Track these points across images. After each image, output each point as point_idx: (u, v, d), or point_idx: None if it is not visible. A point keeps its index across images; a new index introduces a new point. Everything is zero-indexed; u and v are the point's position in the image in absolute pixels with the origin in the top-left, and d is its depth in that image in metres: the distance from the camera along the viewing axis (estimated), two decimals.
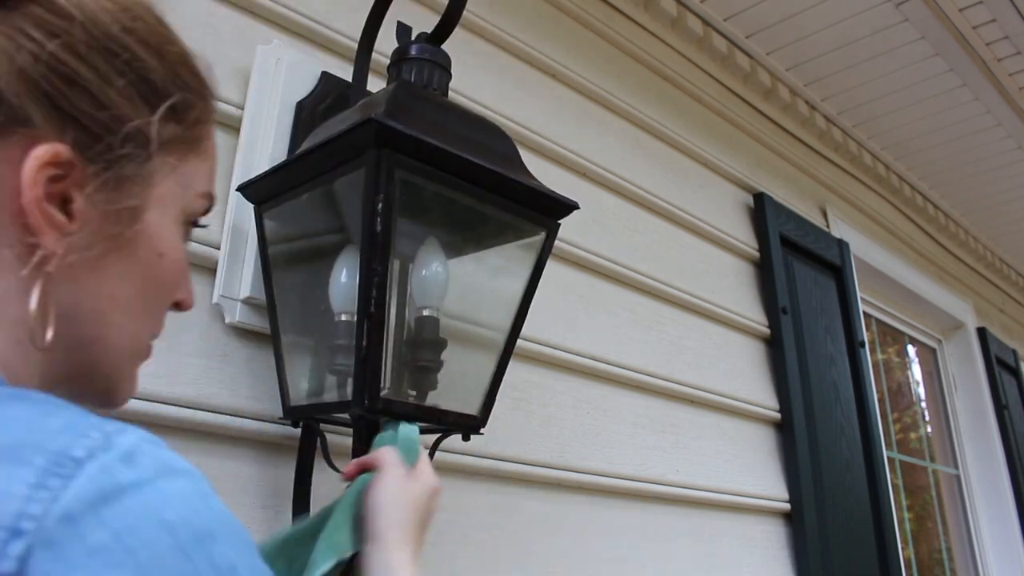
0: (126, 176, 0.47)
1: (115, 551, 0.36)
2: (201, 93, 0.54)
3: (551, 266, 1.48)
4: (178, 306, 0.57)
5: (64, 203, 0.45)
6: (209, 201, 0.56)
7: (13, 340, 0.45)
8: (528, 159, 1.03)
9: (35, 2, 0.44)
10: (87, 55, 0.45)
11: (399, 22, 1.03)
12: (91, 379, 0.50)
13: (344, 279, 0.94)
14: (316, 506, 1.03)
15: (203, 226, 0.58)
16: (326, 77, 1.17)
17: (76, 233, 0.45)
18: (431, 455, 0.98)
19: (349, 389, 0.88)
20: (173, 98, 0.50)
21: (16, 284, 0.44)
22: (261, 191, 0.99)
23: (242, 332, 1.05)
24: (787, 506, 1.92)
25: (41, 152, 0.43)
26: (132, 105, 0.48)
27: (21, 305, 0.44)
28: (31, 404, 0.41)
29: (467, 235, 1.02)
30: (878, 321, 3.02)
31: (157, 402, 0.95)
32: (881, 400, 2.71)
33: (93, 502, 0.36)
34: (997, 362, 3.38)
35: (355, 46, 1.16)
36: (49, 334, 0.45)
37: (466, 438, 0.96)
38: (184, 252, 0.55)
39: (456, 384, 0.96)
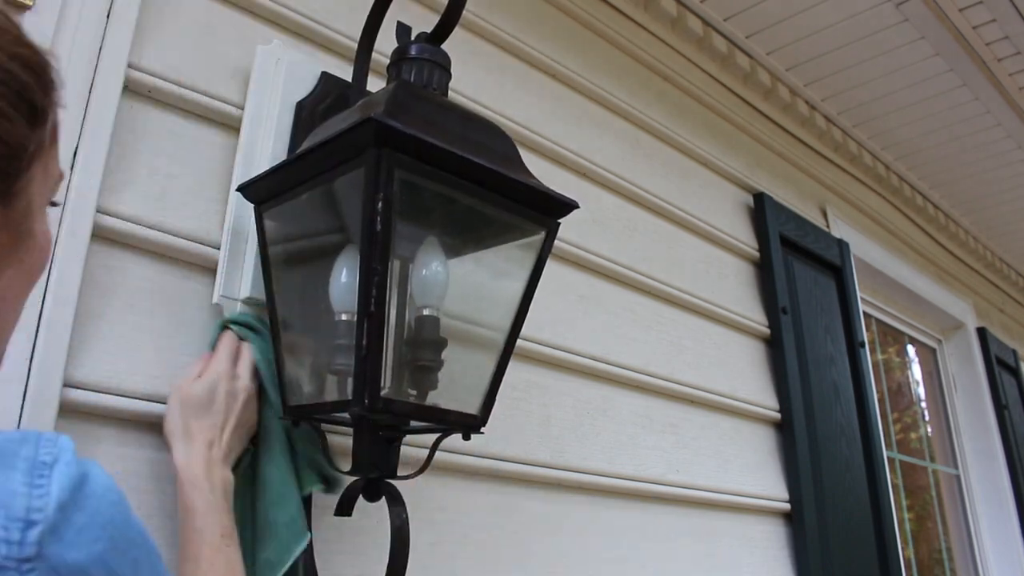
0: (18, 190, 0.51)
1: (94, 528, 0.47)
2: (57, 88, 0.55)
3: (551, 266, 1.48)
4: None
5: None
6: (61, 178, 0.59)
7: None
8: (528, 159, 1.03)
9: None
10: None
11: (399, 22, 1.03)
12: None
13: (344, 279, 0.95)
14: (317, 506, 1.03)
15: (57, 204, 0.62)
16: (326, 77, 1.17)
17: None
18: (431, 455, 0.98)
19: (349, 388, 0.88)
20: (50, 114, 0.53)
21: None
22: (261, 191, 0.99)
23: None
24: (787, 506, 1.93)
25: None
26: (26, 132, 0.50)
27: None
28: None
29: (467, 235, 1.02)
30: (878, 321, 3.02)
31: (157, 402, 0.95)
32: (881, 400, 2.71)
33: (71, 493, 0.47)
34: (997, 362, 3.38)
35: (355, 46, 1.16)
36: None
37: (466, 437, 0.96)
38: (50, 233, 0.59)
39: (456, 384, 0.96)
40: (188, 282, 1.03)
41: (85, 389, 0.90)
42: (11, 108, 0.49)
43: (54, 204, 0.60)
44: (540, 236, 0.98)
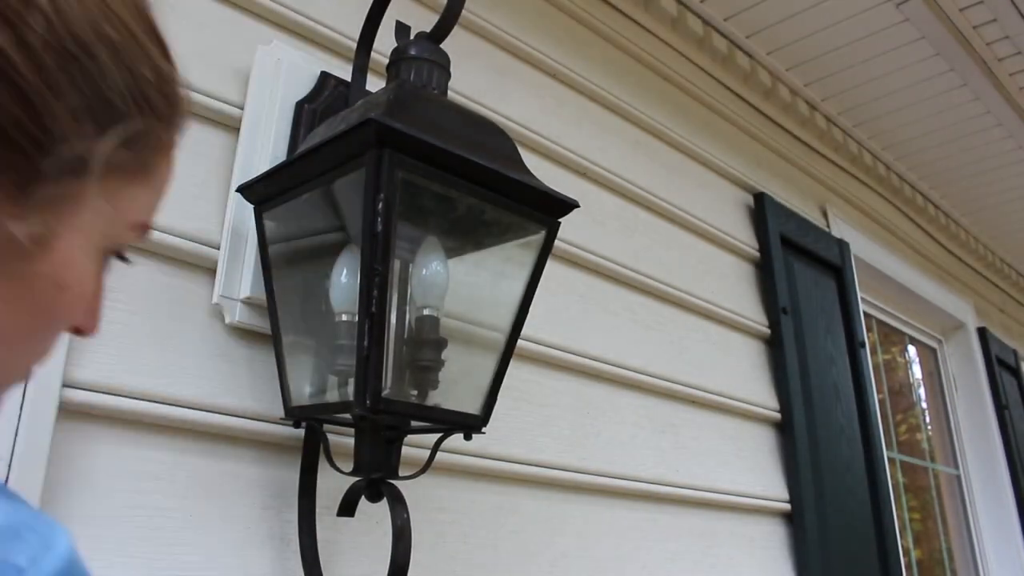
0: (41, 197, 0.39)
1: None
2: (170, 120, 0.47)
3: (551, 266, 1.48)
4: (77, 331, 0.50)
5: None
6: (144, 232, 0.49)
7: None
8: (528, 159, 1.03)
9: None
10: (38, 54, 0.38)
11: (398, 21, 1.03)
12: None
13: (344, 279, 0.94)
14: (319, 507, 1.03)
15: (127, 260, 0.51)
16: (326, 77, 1.17)
17: None
18: (432, 455, 0.98)
19: (350, 389, 0.88)
20: (131, 123, 0.42)
21: None
22: (261, 191, 0.99)
23: (242, 332, 1.05)
24: (787, 506, 1.92)
25: None
26: (77, 125, 0.39)
27: None
28: None
29: (467, 235, 1.02)
30: (878, 321, 3.02)
31: (157, 402, 0.95)
32: (882, 401, 2.71)
33: None
34: (997, 362, 3.38)
35: (355, 46, 1.16)
36: None
37: (467, 437, 0.96)
38: (97, 283, 0.47)
39: (457, 384, 0.96)
40: (188, 282, 1.03)
41: (85, 389, 0.90)
42: (68, 85, 0.39)
43: (121, 258, 0.49)
44: (540, 236, 0.98)
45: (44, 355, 0.46)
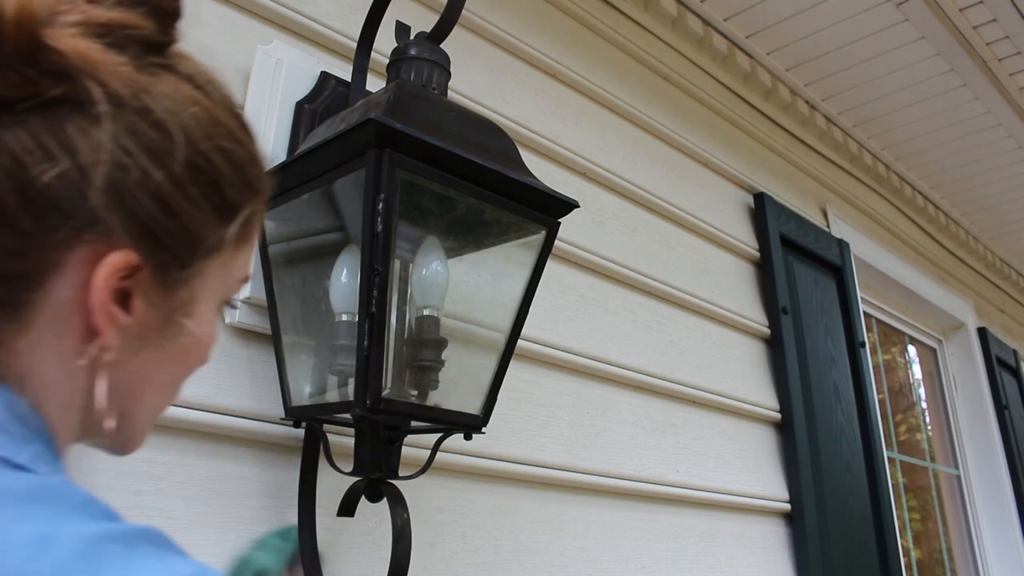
0: (185, 277, 0.49)
1: None
2: (263, 192, 0.54)
3: (551, 266, 1.48)
4: None
5: (124, 299, 0.46)
6: (245, 282, 0.58)
7: (62, 405, 0.47)
8: (528, 159, 1.03)
9: (133, 110, 0.44)
10: (178, 176, 0.46)
11: (398, 21, 1.03)
12: (114, 437, 0.53)
13: (345, 279, 0.94)
14: (319, 507, 1.03)
15: (235, 306, 0.61)
16: (326, 77, 1.17)
17: (131, 326, 0.47)
18: (432, 455, 0.98)
19: (350, 389, 0.88)
20: (246, 210, 0.51)
21: (71, 368, 0.46)
22: None
23: (242, 332, 1.05)
24: (787, 506, 1.92)
25: (116, 259, 0.44)
26: (210, 223, 0.49)
27: (71, 384, 0.47)
28: (38, 520, 0.37)
29: (468, 235, 1.02)
30: (879, 322, 3.02)
31: None
32: (882, 400, 2.71)
33: None
34: (997, 362, 3.38)
35: (355, 46, 1.16)
36: (111, 423, 0.49)
37: (468, 437, 0.96)
38: (217, 329, 0.57)
39: (457, 384, 0.96)
40: None
41: None
42: (200, 195, 0.47)
43: (231, 305, 0.58)
44: (541, 236, 0.98)
45: (177, 395, 0.57)
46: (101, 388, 0.47)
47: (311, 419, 1.00)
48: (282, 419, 1.01)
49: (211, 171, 0.48)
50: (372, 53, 1.16)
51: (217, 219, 0.49)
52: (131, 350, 0.48)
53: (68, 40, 0.42)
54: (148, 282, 0.47)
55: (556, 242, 1.01)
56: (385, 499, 0.95)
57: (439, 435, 0.98)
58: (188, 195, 0.47)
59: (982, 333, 3.38)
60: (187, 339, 0.51)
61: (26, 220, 0.42)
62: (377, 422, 0.91)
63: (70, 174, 0.42)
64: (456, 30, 1.00)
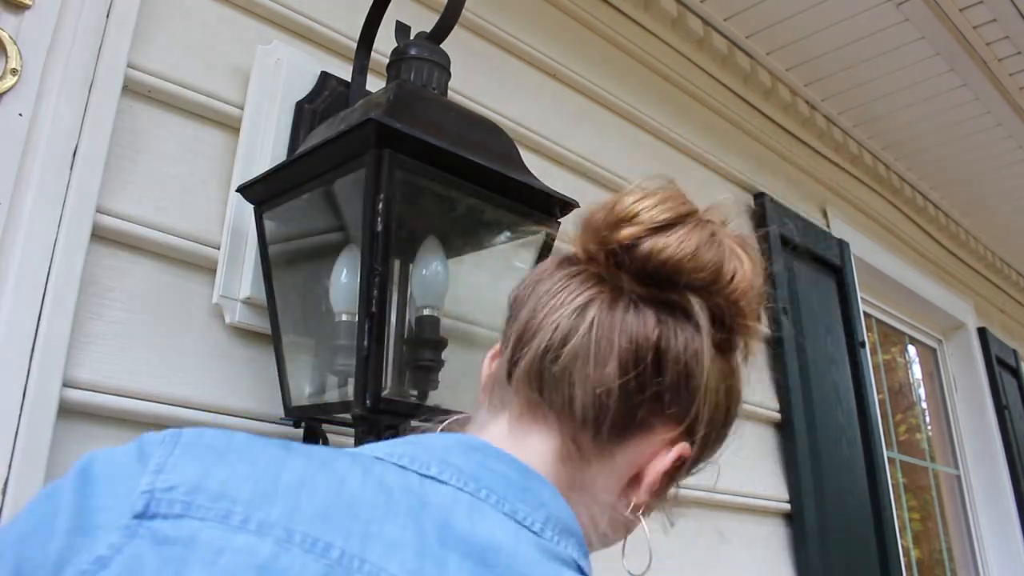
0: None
1: None
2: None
3: None
4: None
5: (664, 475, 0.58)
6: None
7: (591, 523, 0.59)
8: (528, 159, 1.03)
9: (744, 343, 0.61)
10: (732, 410, 0.64)
11: (398, 21, 1.03)
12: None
13: (345, 279, 0.94)
14: None
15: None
16: (326, 77, 1.17)
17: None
18: None
19: (350, 389, 0.88)
20: (700, 430, 0.61)
21: (604, 502, 0.59)
22: (261, 191, 0.99)
23: (242, 332, 1.05)
24: (787, 506, 1.92)
25: (681, 450, 0.58)
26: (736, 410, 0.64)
27: (599, 512, 0.59)
28: None
29: (467, 234, 1.02)
30: (879, 322, 3.02)
31: (157, 402, 0.95)
32: (882, 400, 2.71)
33: None
34: (997, 362, 3.38)
35: (355, 46, 1.16)
36: (599, 547, 0.62)
37: None
38: None
39: (457, 384, 0.96)
40: (188, 282, 1.03)
41: (85, 389, 0.90)
42: (737, 405, 0.65)
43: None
44: (541, 235, 0.98)
45: None
46: (628, 531, 0.63)
47: (311, 419, 1.00)
48: (282, 419, 1.01)
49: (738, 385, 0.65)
50: (372, 53, 1.16)
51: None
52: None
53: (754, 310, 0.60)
54: (680, 471, 0.59)
55: (556, 242, 1.01)
56: None
57: None
58: (737, 399, 0.64)
59: (982, 333, 3.38)
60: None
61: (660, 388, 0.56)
62: (377, 422, 0.91)
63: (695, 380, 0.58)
64: (456, 30, 1.00)
